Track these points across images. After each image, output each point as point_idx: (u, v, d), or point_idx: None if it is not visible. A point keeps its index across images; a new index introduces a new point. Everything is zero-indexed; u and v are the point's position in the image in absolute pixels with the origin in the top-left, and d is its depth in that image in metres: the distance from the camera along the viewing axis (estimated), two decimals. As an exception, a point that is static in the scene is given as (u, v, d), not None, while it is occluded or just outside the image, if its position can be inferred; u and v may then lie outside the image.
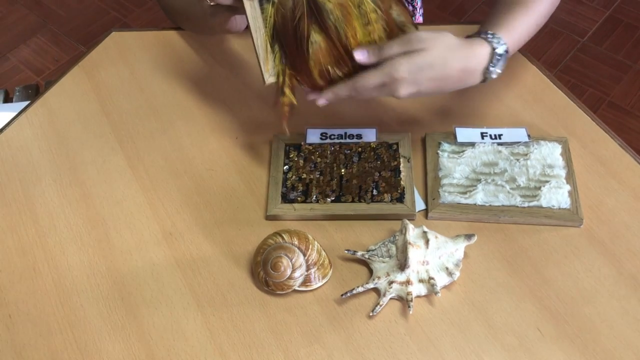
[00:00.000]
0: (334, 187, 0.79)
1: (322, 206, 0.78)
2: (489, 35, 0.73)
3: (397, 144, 0.83)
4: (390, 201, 0.77)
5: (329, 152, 0.83)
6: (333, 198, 0.78)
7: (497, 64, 0.72)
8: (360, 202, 0.78)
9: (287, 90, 0.72)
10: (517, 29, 0.75)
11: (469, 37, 0.74)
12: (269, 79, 0.72)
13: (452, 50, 0.70)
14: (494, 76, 0.73)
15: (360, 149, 0.83)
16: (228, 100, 0.93)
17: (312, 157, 0.82)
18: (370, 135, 0.84)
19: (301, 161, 0.82)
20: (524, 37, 0.77)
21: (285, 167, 0.82)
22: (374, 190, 0.78)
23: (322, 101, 0.73)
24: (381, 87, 0.69)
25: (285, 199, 0.79)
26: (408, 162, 0.81)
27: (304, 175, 0.80)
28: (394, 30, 0.70)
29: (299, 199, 0.78)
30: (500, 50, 0.72)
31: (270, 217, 0.78)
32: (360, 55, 0.69)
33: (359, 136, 0.84)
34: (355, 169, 0.81)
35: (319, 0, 0.69)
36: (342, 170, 0.81)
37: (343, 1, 0.69)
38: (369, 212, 0.77)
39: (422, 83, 0.69)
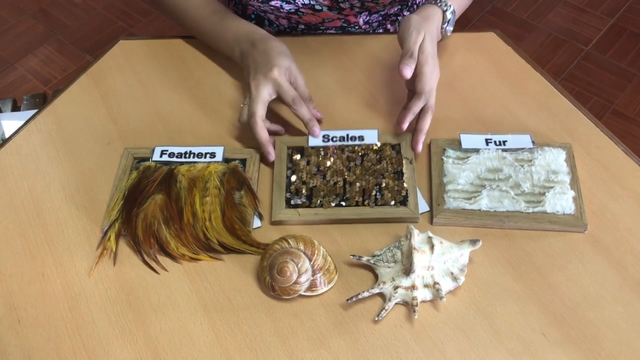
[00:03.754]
0: (337, 191, 0.80)
1: (326, 210, 0.78)
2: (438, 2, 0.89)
3: (399, 144, 0.84)
4: (394, 204, 0.78)
5: (331, 154, 0.83)
6: (337, 202, 0.79)
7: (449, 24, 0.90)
8: (364, 205, 0.78)
9: (112, 236, 0.77)
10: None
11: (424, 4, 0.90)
12: (104, 223, 0.79)
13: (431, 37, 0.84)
14: (449, 34, 0.91)
15: (363, 152, 0.83)
16: (234, 107, 0.94)
17: (315, 159, 0.83)
18: (372, 137, 0.85)
19: (304, 165, 0.83)
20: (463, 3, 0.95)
21: (288, 172, 0.82)
22: (378, 194, 0.79)
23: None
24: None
25: (290, 204, 0.79)
26: (410, 163, 0.82)
27: (308, 180, 0.81)
28: (229, 206, 0.79)
29: (303, 203, 0.79)
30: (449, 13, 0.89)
31: (275, 223, 0.79)
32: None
33: (361, 137, 0.85)
34: (359, 172, 0.81)
35: (175, 172, 0.82)
36: (346, 174, 0.81)
37: (194, 176, 0.81)
38: (373, 216, 0.77)
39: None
